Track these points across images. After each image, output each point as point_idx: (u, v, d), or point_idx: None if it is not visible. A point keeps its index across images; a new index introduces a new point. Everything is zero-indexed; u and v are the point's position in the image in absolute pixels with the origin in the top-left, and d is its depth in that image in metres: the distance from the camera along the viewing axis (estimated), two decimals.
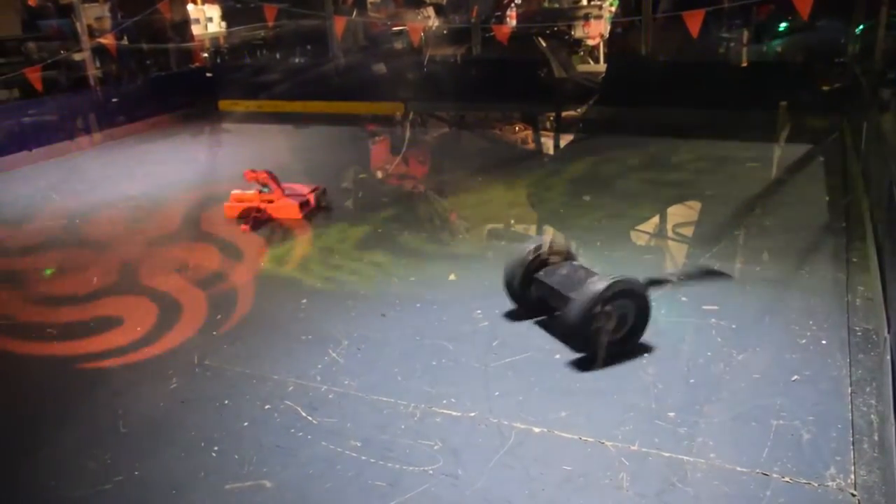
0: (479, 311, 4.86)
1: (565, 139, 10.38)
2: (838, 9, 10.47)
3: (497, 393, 3.96)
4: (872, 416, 3.56)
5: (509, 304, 4.84)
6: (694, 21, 9.66)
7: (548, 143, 10.29)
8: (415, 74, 12.28)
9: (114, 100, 11.71)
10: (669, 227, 6.68)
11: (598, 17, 14.44)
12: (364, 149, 10.69)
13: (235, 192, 7.18)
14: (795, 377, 3.93)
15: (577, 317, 4.05)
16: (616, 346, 4.18)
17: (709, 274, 5.32)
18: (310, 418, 3.84)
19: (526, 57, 12.39)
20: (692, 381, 3.97)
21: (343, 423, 3.78)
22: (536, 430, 3.63)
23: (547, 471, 3.32)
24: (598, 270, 4.51)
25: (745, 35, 11.91)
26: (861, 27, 10.10)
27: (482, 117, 11.77)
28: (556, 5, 16.31)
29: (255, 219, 6.84)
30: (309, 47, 14.40)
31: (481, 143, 10.73)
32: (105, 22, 12.75)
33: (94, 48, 11.71)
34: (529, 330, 4.65)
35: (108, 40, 11.85)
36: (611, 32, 13.74)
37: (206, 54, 14.59)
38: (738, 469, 3.25)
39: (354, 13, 15.09)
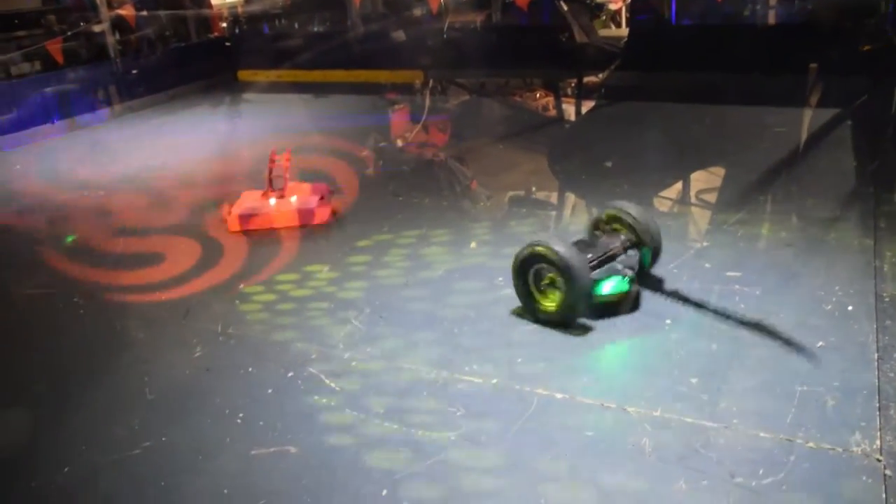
0: (500, 279, 4.85)
1: (587, 105, 10.24)
2: None
3: (519, 359, 3.97)
4: None
5: None
6: None
7: (569, 110, 10.15)
8: (434, 42, 12.13)
9: (133, 71, 11.74)
10: (693, 193, 6.60)
11: None
12: (384, 117, 10.63)
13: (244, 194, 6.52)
14: (821, 343, 3.88)
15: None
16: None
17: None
18: (333, 385, 3.88)
19: (547, 23, 12.18)
20: (714, 346, 3.94)
21: (366, 389, 3.82)
22: (559, 396, 3.63)
23: (569, 436, 3.33)
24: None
25: None
26: None
27: (503, 84, 11.62)
28: None
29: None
30: (328, 15, 14.25)
31: (502, 110, 10.62)
32: None
33: (112, 20, 11.70)
34: None
35: (127, 11, 11.82)
36: None
37: (224, 24, 14.50)
38: (762, 435, 3.23)
39: None
